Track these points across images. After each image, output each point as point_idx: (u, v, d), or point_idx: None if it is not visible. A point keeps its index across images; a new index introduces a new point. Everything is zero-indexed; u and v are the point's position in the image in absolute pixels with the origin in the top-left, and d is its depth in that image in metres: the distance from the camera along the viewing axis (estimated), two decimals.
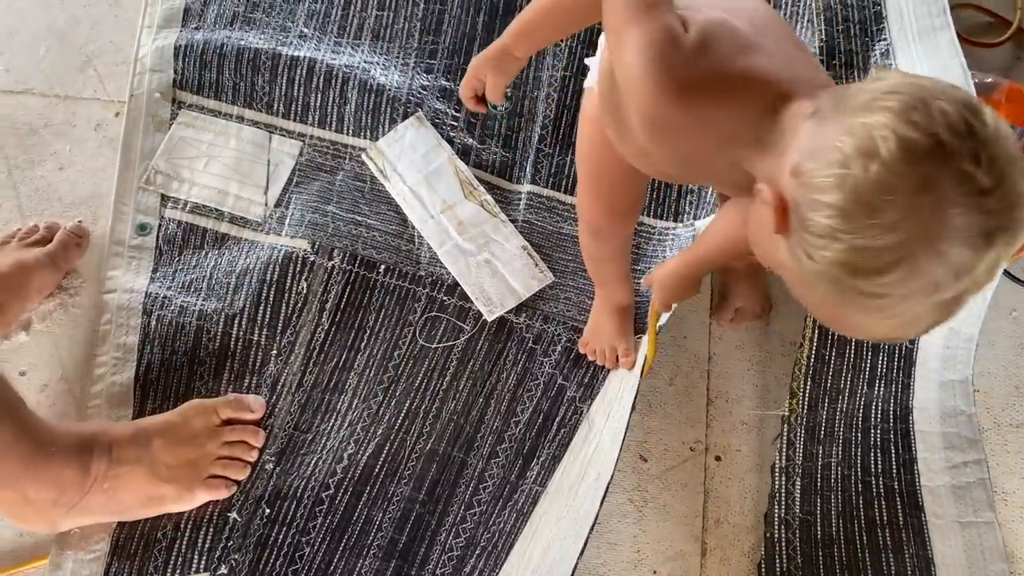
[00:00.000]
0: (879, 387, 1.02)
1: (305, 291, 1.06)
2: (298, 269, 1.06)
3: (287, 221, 1.09)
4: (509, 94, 0.82)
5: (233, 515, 0.96)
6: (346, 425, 1.01)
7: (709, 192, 1.10)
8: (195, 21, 1.19)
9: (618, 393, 1.00)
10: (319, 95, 1.14)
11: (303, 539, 0.96)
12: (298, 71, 1.14)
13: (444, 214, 1.10)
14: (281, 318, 1.05)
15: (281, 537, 0.96)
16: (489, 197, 1.11)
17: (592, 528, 0.86)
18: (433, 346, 1.05)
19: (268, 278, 1.05)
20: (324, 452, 1.00)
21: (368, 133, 1.14)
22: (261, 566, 0.95)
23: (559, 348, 1.05)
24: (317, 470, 0.99)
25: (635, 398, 0.93)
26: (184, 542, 0.95)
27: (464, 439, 1.01)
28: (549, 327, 1.06)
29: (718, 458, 1.03)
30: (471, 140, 1.14)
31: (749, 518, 1.00)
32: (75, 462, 0.87)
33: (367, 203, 1.11)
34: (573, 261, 1.08)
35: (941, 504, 0.98)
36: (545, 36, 0.77)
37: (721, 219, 0.81)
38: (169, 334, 1.03)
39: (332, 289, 1.06)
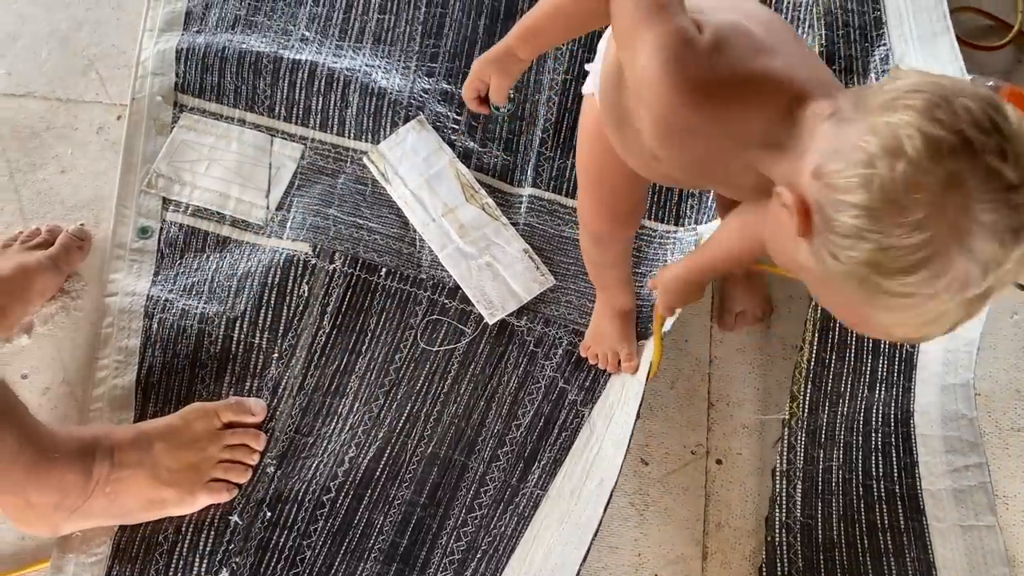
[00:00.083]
0: (880, 391, 1.02)
1: (306, 294, 1.06)
2: (299, 272, 1.06)
3: (288, 224, 1.09)
4: (512, 96, 0.82)
5: (234, 518, 0.96)
6: (347, 428, 1.01)
7: (710, 196, 1.10)
8: (197, 24, 1.19)
9: (620, 398, 1.00)
10: (320, 98, 1.15)
11: (304, 542, 0.96)
12: (300, 74, 1.15)
13: (445, 217, 1.10)
14: (282, 321, 1.05)
15: (282, 540, 0.96)
16: (490, 200, 1.11)
17: (595, 535, 0.85)
18: (434, 349, 1.05)
19: (269, 281, 1.06)
20: (325, 455, 1.00)
21: (369, 136, 1.14)
22: (262, 569, 0.95)
23: (560, 351, 1.05)
24: (318, 473, 0.99)
25: (640, 406, 0.92)
26: (185, 545, 0.95)
27: (465, 442, 1.01)
28: (550, 330, 1.06)
29: (719, 462, 1.03)
30: (472, 143, 1.14)
31: (750, 522, 1.00)
32: (77, 466, 0.87)
33: (368, 206, 1.11)
34: (574, 264, 1.08)
35: (942, 508, 0.98)
36: (550, 38, 0.77)
37: (728, 225, 0.81)
38: (171, 337, 1.03)
39: (333, 292, 1.06)
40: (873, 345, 1.03)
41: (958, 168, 0.47)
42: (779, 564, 0.96)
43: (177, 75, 1.15)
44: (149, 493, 0.92)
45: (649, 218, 1.11)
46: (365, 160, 1.13)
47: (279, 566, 0.95)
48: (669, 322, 0.97)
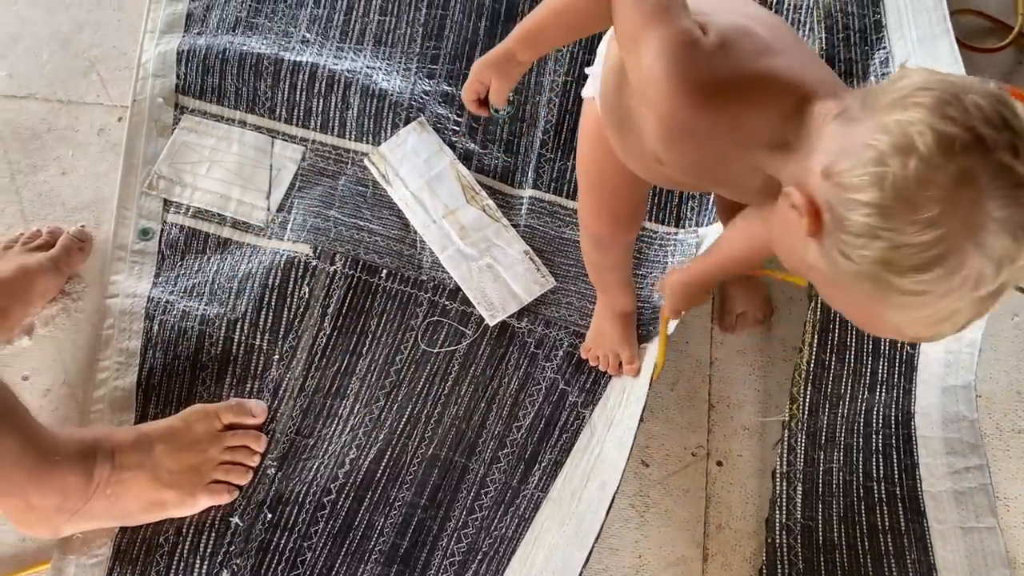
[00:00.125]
0: (880, 392, 1.02)
1: (307, 296, 1.06)
2: (300, 274, 1.06)
3: (289, 226, 1.09)
4: (511, 99, 0.82)
5: (235, 520, 0.96)
6: (348, 430, 1.01)
7: (710, 198, 1.10)
8: (198, 26, 1.19)
9: (621, 400, 1.00)
10: (321, 100, 1.15)
11: (305, 544, 0.96)
12: (300, 76, 1.15)
13: (446, 219, 1.10)
14: (283, 323, 1.05)
15: (283, 542, 0.96)
16: (491, 202, 1.11)
17: (597, 539, 0.85)
18: (435, 351, 1.05)
19: (270, 283, 1.06)
20: (326, 457, 1.00)
21: (370, 138, 1.14)
22: (263, 571, 0.95)
23: (561, 353, 1.05)
24: (319, 475, 0.99)
25: (643, 411, 0.92)
26: (186, 547, 0.95)
27: (466, 444, 1.01)
28: (551, 332, 1.06)
29: (720, 463, 1.03)
30: (473, 145, 1.14)
31: (751, 523, 1.00)
32: (79, 469, 0.87)
33: (369, 208, 1.11)
34: (575, 266, 1.08)
35: (943, 509, 0.98)
36: (551, 41, 0.77)
37: (734, 228, 0.81)
38: (171, 339, 1.03)
39: (334, 294, 1.06)
40: (873, 347, 1.03)
41: (970, 164, 0.47)
42: (779, 566, 0.96)
43: (178, 77, 1.15)
44: (150, 495, 0.92)
45: (650, 220, 1.11)
46: (366, 162, 1.13)
47: (280, 568, 0.95)
48: (672, 325, 0.97)
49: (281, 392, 1.02)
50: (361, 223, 1.10)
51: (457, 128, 1.15)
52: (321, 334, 1.04)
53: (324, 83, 1.14)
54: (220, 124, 1.14)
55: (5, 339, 1.02)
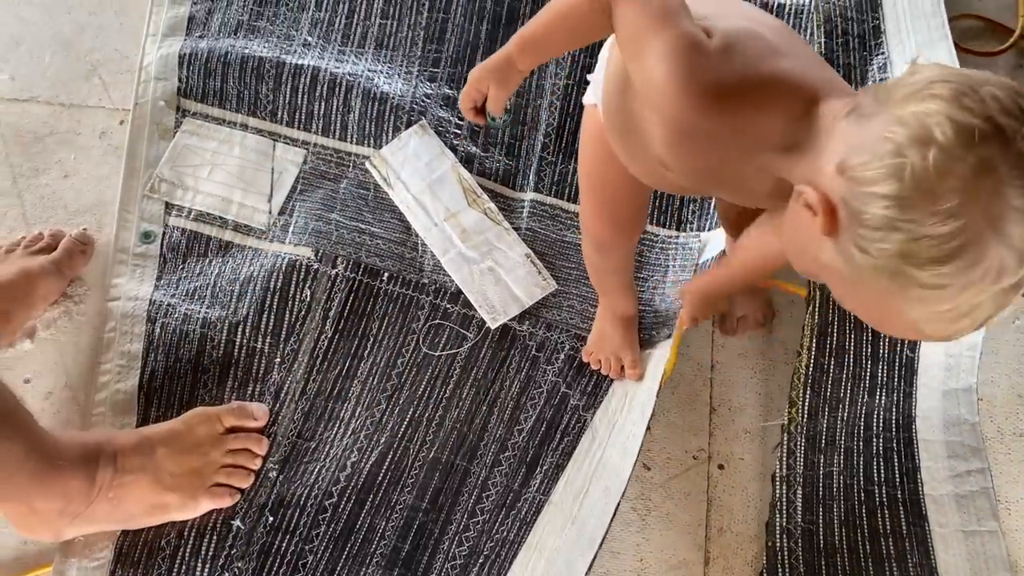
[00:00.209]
0: (880, 396, 1.02)
1: (309, 299, 1.06)
2: (302, 277, 1.06)
3: (291, 229, 1.09)
4: (509, 107, 0.81)
5: (237, 523, 0.96)
6: (349, 433, 1.01)
7: (711, 201, 1.10)
8: (199, 29, 1.19)
9: (623, 404, 1.01)
10: (323, 103, 1.15)
11: (306, 547, 0.96)
12: (302, 79, 1.15)
13: (447, 222, 1.10)
14: (285, 326, 1.05)
15: (284, 545, 0.96)
16: (492, 205, 1.11)
17: (601, 544, 0.85)
18: (436, 354, 1.05)
19: (272, 286, 1.06)
20: (327, 460, 1.00)
21: (372, 141, 1.15)
22: (264, 574, 0.95)
23: (562, 356, 1.05)
24: (320, 478, 0.99)
25: (650, 418, 0.92)
26: (188, 550, 0.95)
27: (467, 447, 1.01)
28: (552, 335, 1.06)
29: (721, 467, 1.03)
30: (474, 148, 1.15)
31: (752, 527, 1.00)
32: (81, 472, 0.87)
33: (371, 211, 1.11)
34: (576, 269, 1.08)
35: (944, 513, 0.98)
36: (550, 49, 0.76)
37: (749, 238, 0.81)
38: (173, 342, 1.03)
39: (335, 297, 1.06)
40: (872, 350, 1.03)
41: (990, 154, 0.47)
42: (780, 569, 0.96)
43: (180, 80, 1.16)
44: (152, 498, 0.92)
45: (651, 223, 1.11)
46: (367, 165, 1.14)
47: (281, 570, 0.95)
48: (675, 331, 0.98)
49: (283, 395, 1.02)
50: (362, 226, 1.10)
51: (458, 131, 1.15)
52: (323, 337, 1.04)
53: (326, 86, 1.15)
54: (222, 127, 1.14)
55: (7, 342, 1.02)
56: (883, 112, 0.51)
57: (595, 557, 0.86)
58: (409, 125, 1.14)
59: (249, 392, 1.02)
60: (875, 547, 0.97)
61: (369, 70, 1.17)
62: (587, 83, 0.82)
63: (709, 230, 1.10)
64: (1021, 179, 0.47)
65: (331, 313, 1.05)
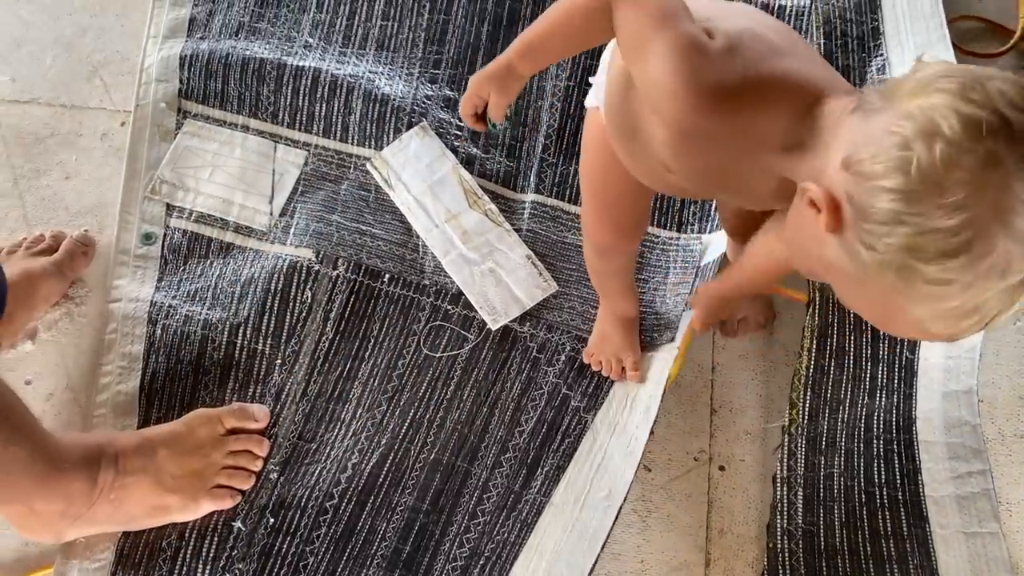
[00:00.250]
0: (881, 397, 1.02)
1: (309, 300, 1.06)
2: (302, 278, 1.06)
3: (292, 230, 1.09)
4: (509, 113, 0.81)
5: (237, 525, 0.96)
6: (350, 435, 1.01)
7: (712, 202, 1.10)
8: (200, 31, 1.19)
9: (624, 406, 1.01)
10: (324, 105, 1.15)
11: (307, 548, 0.96)
12: (303, 81, 1.15)
13: (448, 223, 1.10)
14: (285, 327, 1.05)
15: (285, 547, 0.96)
16: (493, 206, 1.11)
17: (603, 547, 0.85)
18: (437, 355, 1.05)
19: (273, 287, 1.06)
20: (328, 462, 1.00)
21: (372, 143, 1.15)
22: (265, 575, 0.95)
23: (563, 358, 1.05)
24: (321, 480, 0.99)
25: (654, 423, 0.92)
26: (188, 551, 0.95)
27: (468, 449, 1.01)
28: (553, 336, 1.06)
29: (722, 468, 1.03)
30: (475, 150, 1.15)
31: (753, 528, 1.00)
32: (83, 474, 0.87)
33: (371, 212, 1.11)
34: (577, 270, 1.08)
35: (945, 514, 0.98)
36: (551, 54, 0.75)
37: (755, 244, 0.81)
38: (174, 343, 1.03)
39: (336, 298, 1.06)
40: (872, 352, 1.03)
41: (997, 147, 0.47)
42: (781, 571, 0.96)
43: (181, 81, 1.16)
44: (153, 499, 0.92)
45: (652, 224, 1.11)
46: (368, 166, 1.14)
47: (282, 572, 0.95)
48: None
49: (283, 396, 1.02)
50: (363, 228, 1.10)
51: (459, 133, 1.15)
52: (323, 339, 1.04)
53: (327, 88, 1.15)
54: (223, 129, 1.15)
55: (8, 344, 1.02)
56: (889, 107, 0.51)
57: (597, 559, 0.86)
58: (410, 127, 1.15)
59: (250, 393, 1.02)
60: (876, 548, 0.97)
61: (370, 72, 1.17)
62: (589, 85, 0.82)
63: (710, 232, 1.10)
64: None
65: (332, 314, 1.05)
